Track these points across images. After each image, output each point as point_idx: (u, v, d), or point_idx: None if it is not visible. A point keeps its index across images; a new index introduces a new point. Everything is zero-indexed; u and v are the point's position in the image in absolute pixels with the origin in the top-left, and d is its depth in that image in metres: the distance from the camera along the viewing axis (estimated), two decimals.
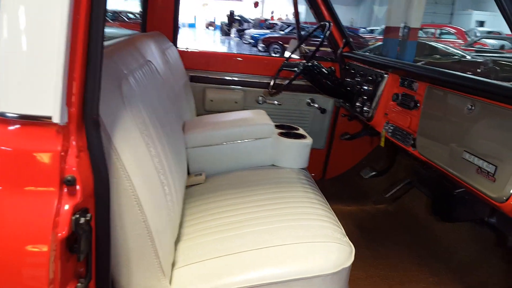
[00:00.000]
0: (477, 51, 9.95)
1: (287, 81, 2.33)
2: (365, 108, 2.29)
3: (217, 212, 1.50)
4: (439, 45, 9.72)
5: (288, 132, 2.06)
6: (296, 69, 2.40)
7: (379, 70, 2.23)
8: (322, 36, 2.31)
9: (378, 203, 2.57)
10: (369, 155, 3.00)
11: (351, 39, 2.67)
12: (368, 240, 2.21)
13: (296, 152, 1.94)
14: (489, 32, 14.90)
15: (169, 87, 1.85)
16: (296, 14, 2.94)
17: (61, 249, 0.80)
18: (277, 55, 16.00)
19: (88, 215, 0.86)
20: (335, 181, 2.99)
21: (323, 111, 2.88)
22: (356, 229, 2.31)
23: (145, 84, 1.38)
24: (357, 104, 2.40)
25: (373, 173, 2.74)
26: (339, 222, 1.45)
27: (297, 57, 2.99)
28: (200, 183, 1.82)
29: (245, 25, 26.30)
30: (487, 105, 1.40)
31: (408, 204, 2.46)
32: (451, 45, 11.10)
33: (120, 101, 1.09)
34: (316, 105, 2.88)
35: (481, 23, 20.54)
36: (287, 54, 3.38)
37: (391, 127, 2.07)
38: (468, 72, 8.35)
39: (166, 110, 1.56)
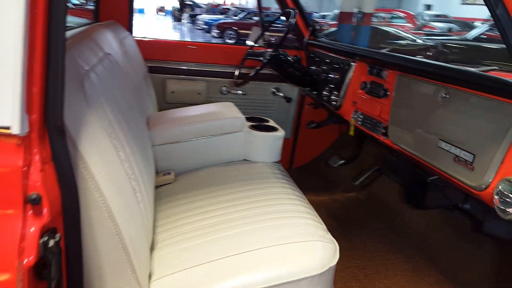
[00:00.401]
0: (427, 35, 10.26)
1: (253, 71, 2.26)
2: (332, 97, 2.26)
3: (191, 215, 1.42)
4: (391, 30, 9.94)
5: (259, 124, 2.00)
6: (262, 58, 2.33)
7: (346, 58, 2.20)
8: (282, 23, 2.26)
9: (348, 191, 2.57)
10: (335, 143, 3.00)
11: (317, 27, 2.61)
12: (342, 230, 2.20)
13: (268, 145, 1.88)
14: (437, 16, 15.42)
15: (130, 80, 1.73)
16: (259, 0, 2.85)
17: (29, 278, 0.70)
18: (232, 41, 15.85)
19: (57, 235, 0.76)
20: (303, 171, 2.96)
21: (288, 100, 2.84)
22: (329, 219, 2.29)
23: (107, 80, 1.26)
24: (324, 92, 2.36)
25: (342, 161, 2.73)
26: (319, 218, 1.41)
27: (258, 45, 2.92)
28: (169, 182, 1.72)
29: (197, 10, 25.82)
30: (461, 93, 1.39)
31: (378, 192, 2.47)
32: (401, 29, 11.38)
33: (83, 102, 0.98)
34: (281, 94, 2.82)
35: (428, 7, 21.22)
36: (249, 42, 3.29)
37: (360, 116, 2.05)
38: (419, 56, 8.60)
39: (130, 106, 1.45)
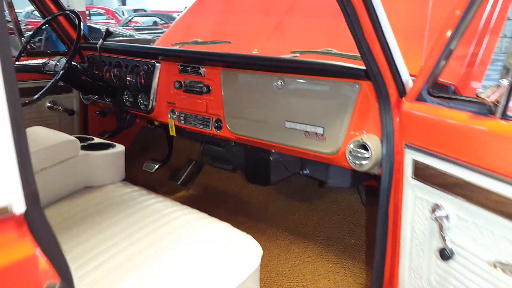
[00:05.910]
0: (137, 30, 10.49)
1: (38, 93, 1.94)
2: (140, 101, 2.17)
3: None
4: (107, 28, 9.67)
5: (90, 144, 1.74)
6: (46, 70, 2.04)
7: (148, 60, 2.13)
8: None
9: (175, 192, 2.51)
10: (136, 145, 2.88)
11: (111, 29, 2.34)
12: None
13: (112, 164, 1.67)
14: (136, 10, 15.87)
15: None
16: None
17: None
18: None
19: None
20: None
21: (71, 112, 2.53)
22: None
23: None
24: (126, 98, 2.24)
25: (158, 164, 2.63)
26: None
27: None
28: None
29: None
30: (297, 79, 1.62)
31: (209, 183, 2.50)
32: (109, 25, 11.28)
33: None
34: (60, 107, 2.49)
35: (124, 1, 21.53)
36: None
37: (182, 115, 2.06)
38: None
39: None
